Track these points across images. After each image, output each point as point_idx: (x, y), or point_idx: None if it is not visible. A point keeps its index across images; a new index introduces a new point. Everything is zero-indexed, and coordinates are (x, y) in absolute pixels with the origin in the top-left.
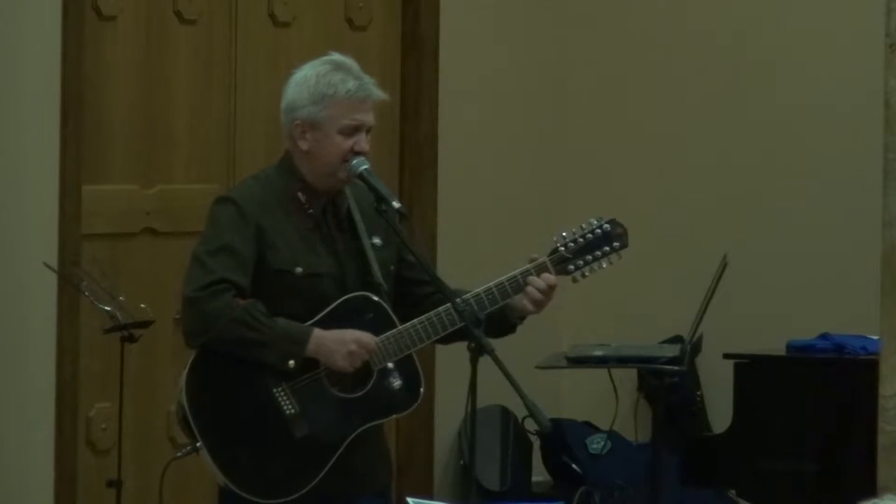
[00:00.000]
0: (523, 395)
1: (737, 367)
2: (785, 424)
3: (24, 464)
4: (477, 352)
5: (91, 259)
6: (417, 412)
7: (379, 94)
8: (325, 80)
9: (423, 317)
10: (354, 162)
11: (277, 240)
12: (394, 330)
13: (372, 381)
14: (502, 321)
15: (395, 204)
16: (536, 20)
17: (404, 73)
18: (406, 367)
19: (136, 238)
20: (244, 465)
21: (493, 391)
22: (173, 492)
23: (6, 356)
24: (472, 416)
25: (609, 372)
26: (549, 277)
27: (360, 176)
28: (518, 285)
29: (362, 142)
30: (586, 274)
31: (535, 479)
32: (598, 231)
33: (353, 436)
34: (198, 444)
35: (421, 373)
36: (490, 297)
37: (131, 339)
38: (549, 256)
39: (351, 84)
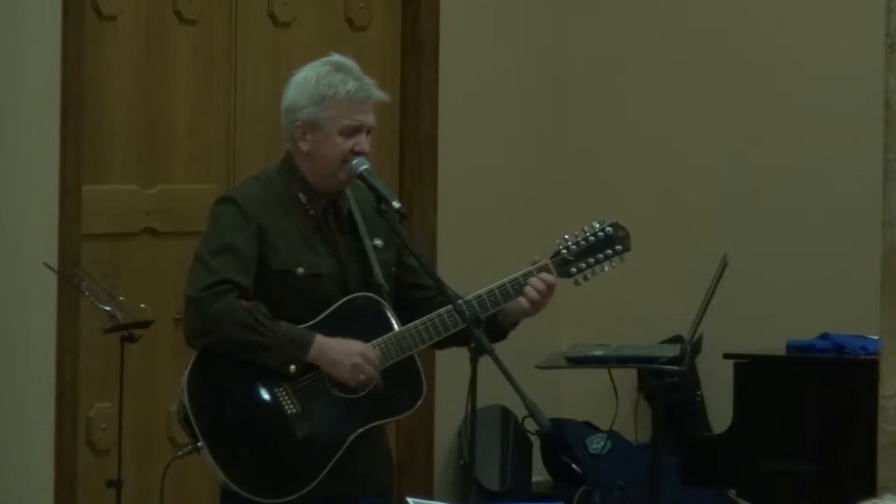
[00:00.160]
0: (523, 395)
1: (737, 367)
2: (785, 424)
3: (24, 464)
4: (477, 352)
5: (91, 259)
6: (417, 412)
7: (379, 94)
8: (325, 81)
9: (424, 318)
10: (354, 162)
11: (279, 240)
12: (395, 331)
13: (374, 382)
14: (494, 327)
15: (395, 204)
16: (536, 20)
17: (404, 73)
18: (408, 368)
19: (136, 238)
20: (245, 465)
21: (493, 391)
22: (174, 492)
23: (6, 356)
24: (472, 416)
25: (609, 372)
26: (549, 277)
27: (360, 176)
28: (519, 287)
29: (362, 142)
30: (588, 277)
31: (535, 479)
32: (601, 234)
33: (354, 436)
34: (199, 444)
35: (423, 374)
36: (492, 298)
37: (131, 339)
38: (551, 259)
39: (351, 85)
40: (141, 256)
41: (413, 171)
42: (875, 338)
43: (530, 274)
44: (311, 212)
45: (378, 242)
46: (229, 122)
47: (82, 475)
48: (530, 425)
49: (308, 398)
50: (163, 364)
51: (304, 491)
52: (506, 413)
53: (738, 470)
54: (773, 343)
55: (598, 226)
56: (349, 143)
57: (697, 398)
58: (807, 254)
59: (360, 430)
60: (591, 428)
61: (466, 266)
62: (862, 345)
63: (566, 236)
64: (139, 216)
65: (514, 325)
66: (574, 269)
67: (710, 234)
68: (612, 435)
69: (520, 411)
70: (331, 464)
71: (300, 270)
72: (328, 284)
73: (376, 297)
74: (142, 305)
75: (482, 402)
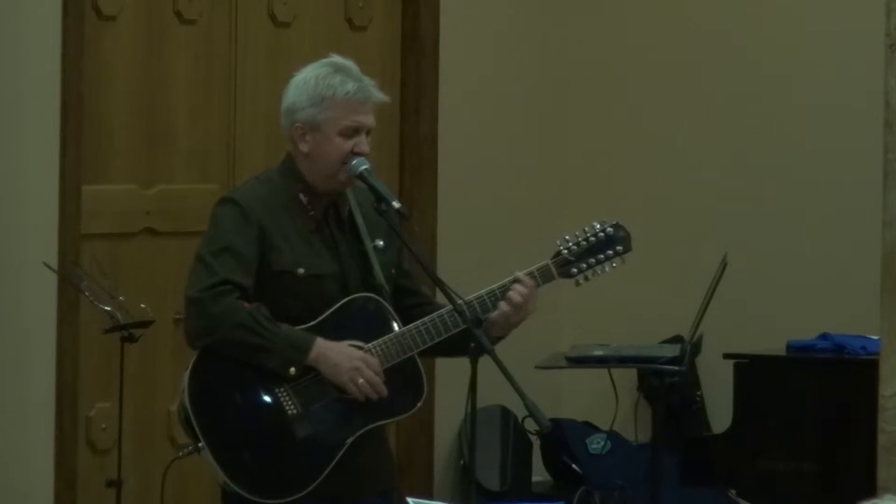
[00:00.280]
0: (523, 395)
1: (737, 367)
2: (785, 424)
3: (24, 464)
4: (477, 352)
5: (91, 259)
6: (417, 412)
7: (379, 95)
8: (324, 82)
9: (425, 318)
10: (354, 162)
11: (280, 241)
12: (396, 332)
13: (378, 394)
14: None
15: (395, 204)
16: (537, 20)
17: (404, 73)
18: (409, 369)
19: (136, 238)
20: (246, 465)
21: (493, 391)
22: (175, 492)
23: (6, 356)
24: (472, 416)
25: (609, 372)
26: (530, 282)
27: (360, 176)
28: None
29: (362, 143)
30: (589, 277)
31: (535, 479)
32: (602, 234)
33: (355, 437)
34: (200, 445)
35: (424, 375)
36: (492, 298)
37: (131, 339)
38: (551, 259)
39: (350, 86)
40: (141, 256)
41: (413, 171)
42: (875, 338)
43: (532, 273)
44: (312, 212)
45: (379, 243)
46: (229, 122)
47: (82, 475)
48: (530, 425)
49: (309, 399)
50: (163, 364)
51: (304, 491)
52: (506, 413)
53: (738, 470)
54: (773, 343)
55: (598, 226)
56: (349, 144)
57: (697, 398)
58: (807, 254)
59: (360, 431)
60: (591, 428)
61: (466, 266)
62: (862, 345)
63: (567, 237)
64: (139, 216)
65: (500, 338)
66: (575, 270)
67: (710, 234)
68: (612, 435)
69: (520, 411)
70: (332, 464)
71: (301, 271)
72: (329, 285)
73: (377, 297)
74: (142, 305)
75: (482, 402)
